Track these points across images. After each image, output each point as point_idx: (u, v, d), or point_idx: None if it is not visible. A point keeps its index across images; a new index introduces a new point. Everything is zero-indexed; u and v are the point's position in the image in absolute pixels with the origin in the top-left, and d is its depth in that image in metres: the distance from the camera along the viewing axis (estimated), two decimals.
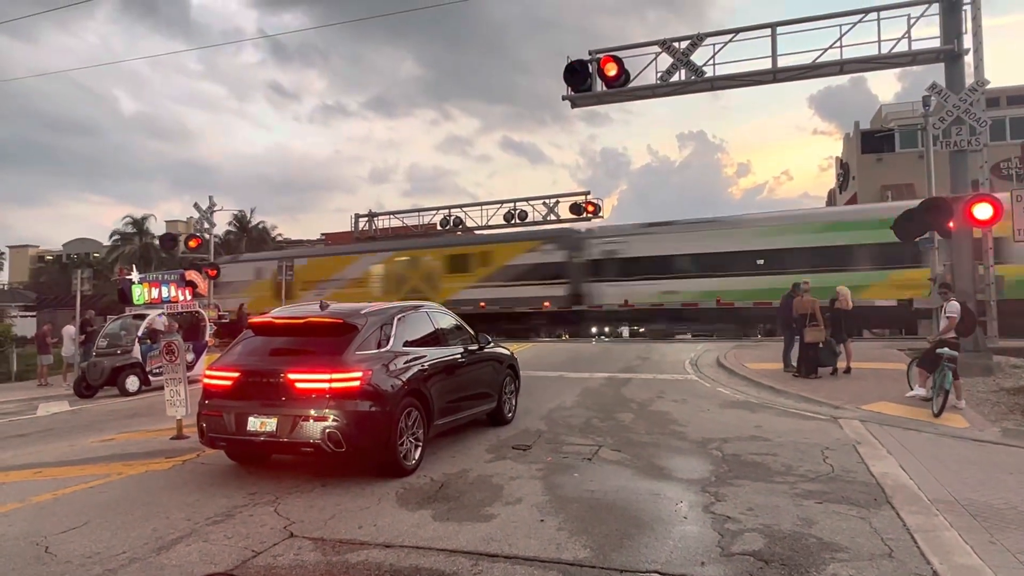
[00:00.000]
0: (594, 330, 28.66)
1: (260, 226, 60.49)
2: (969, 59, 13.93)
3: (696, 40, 15.96)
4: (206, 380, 7.21)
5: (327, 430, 6.41)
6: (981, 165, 14.46)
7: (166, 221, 67.76)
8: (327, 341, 6.98)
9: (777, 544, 4.84)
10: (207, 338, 18.41)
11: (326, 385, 6.51)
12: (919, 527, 5.13)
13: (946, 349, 9.75)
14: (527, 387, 11.68)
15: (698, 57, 15.96)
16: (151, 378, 16.03)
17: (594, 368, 16.58)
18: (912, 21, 14.42)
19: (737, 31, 16.00)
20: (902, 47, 14.60)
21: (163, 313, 17.02)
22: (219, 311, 21.94)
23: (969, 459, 7.34)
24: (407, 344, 7.60)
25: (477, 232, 34.65)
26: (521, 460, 7.53)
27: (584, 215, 30.48)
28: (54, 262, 73.29)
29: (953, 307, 10.43)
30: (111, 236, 59.51)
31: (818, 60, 15.30)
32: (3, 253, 68.55)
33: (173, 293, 17.74)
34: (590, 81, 16.56)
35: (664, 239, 27.00)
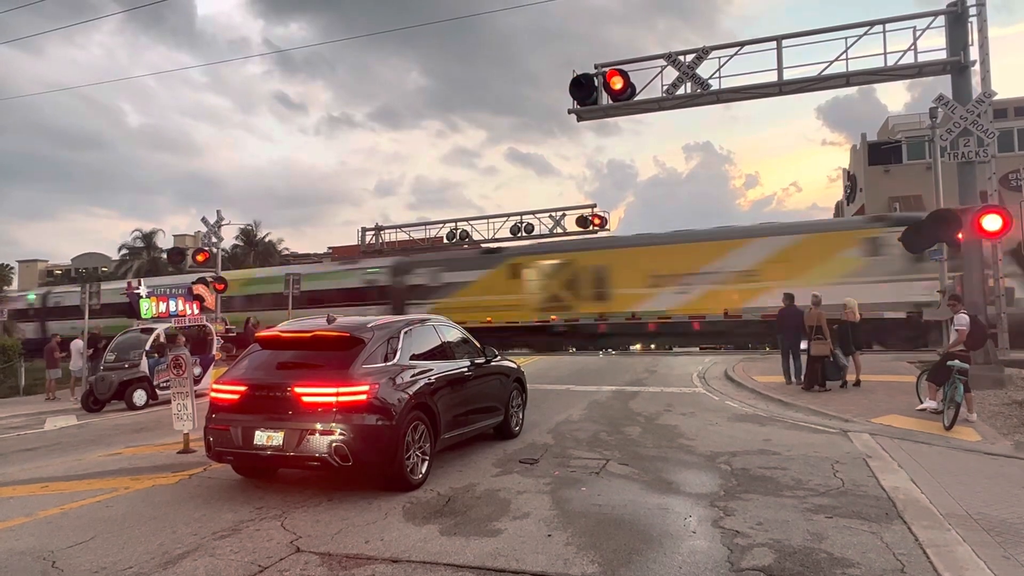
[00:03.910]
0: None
1: (267, 239, 60.81)
2: (976, 70, 13.93)
3: (702, 53, 16.01)
4: (213, 394, 7.21)
5: (334, 444, 6.39)
6: (989, 176, 14.39)
7: (174, 235, 68.26)
8: (334, 355, 6.98)
9: (787, 559, 4.79)
10: (214, 352, 18.45)
11: (333, 399, 6.51)
12: (931, 542, 5.07)
13: (957, 361, 9.67)
14: (534, 400, 11.63)
15: (704, 70, 16.00)
16: (158, 392, 16.07)
17: (601, 381, 16.52)
18: (918, 33, 14.43)
19: (743, 44, 16.05)
20: (908, 59, 14.60)
21: (168, 328, 17.10)
22: (226, 324, 21.97)
23: (981, 473, 7.26)
24: (414, 357, 7.60)
25: (484, 245, 34.44)
26: (528, 474, 7.49)
27: (590, 228, 30.43)
28: (63, 276, 73.76)
29: (962, 320, 10.35)
30: (119, 250, 60.04)
31: (824, 72, 15.31)
32: (13, 267, 69.00)
33: (181, 307, 17.82)
34: (596, 94, 16.61)
35: None
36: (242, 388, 6.93)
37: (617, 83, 16.18)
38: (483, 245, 31.11)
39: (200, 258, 23.91)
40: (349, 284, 31.78)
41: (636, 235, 28.41)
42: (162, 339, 16.72)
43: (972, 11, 13.79)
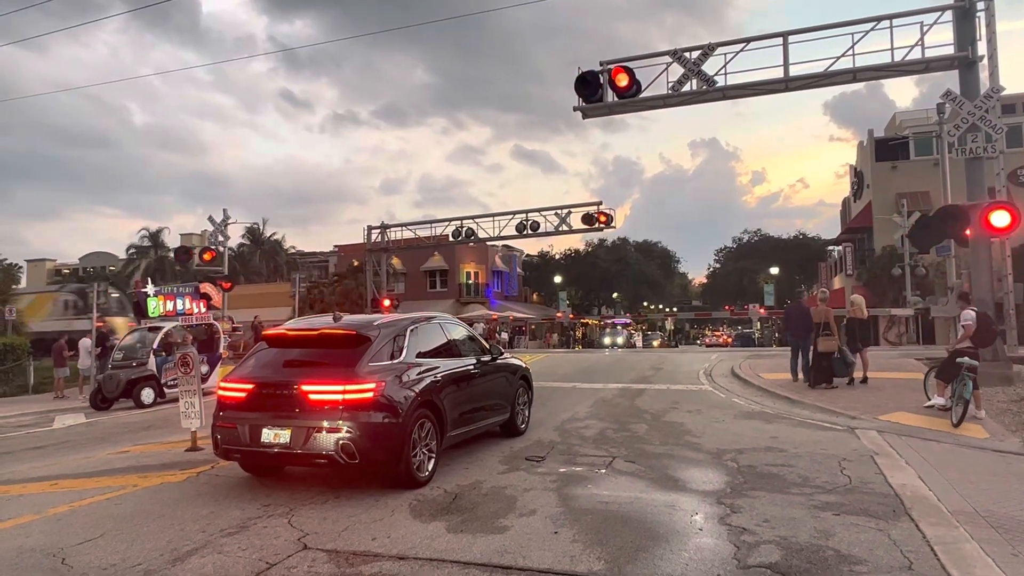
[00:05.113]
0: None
1: (273, 238, 60.91)
2: (984, 65, 13.84)
3: (707, 50, 15.97)
4: (220, 392, 7.23)
5: (340, 442, 6.41)
6: (998, 172, 14.32)
7: (180, 234, 68.34)
8: (340, 353, 6.99)
9: (794, 556, 4.78)
10: (221, 350, 18.52)
11: (339, 397, 6.52)
12: (939, 539, 5.04)
13: (966, 358, 9.61)
14: (540, 398, 11.64)
15: (710, 66, 15.97)
16: (166, 390, 16.14)
17: (608, 379, 16.52)
18: (925, 28, 14.37)
19: (748, 40, 16.00)
20: (915, 54, 14.54)
21: (177, 326, 17.18)
22: (233, 323, 22.07)
23: (990, 470, 7.23)
24: (420, 355, 7.60)
25: (490, 243, 34.50)
26: (534, 472, 7.49)
27: (596, 226, 30.37)
28: (71, 275, 74.02)
29: (968, 316, 10.28)
30: (127, 249, 60.27)
31: (831, 68, 15.27)
32: (21, 267, 69.32)
33: (188, 305, 17.89)
34: (601, 92, 16.60)
35: None
36: (249, 386, 6.94)
37: (622, 80, 16.18)
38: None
39: (207, 257, 23.99)
40: None
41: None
42: (171, 338, 16.79)
43: (980, 5, 13.72)
